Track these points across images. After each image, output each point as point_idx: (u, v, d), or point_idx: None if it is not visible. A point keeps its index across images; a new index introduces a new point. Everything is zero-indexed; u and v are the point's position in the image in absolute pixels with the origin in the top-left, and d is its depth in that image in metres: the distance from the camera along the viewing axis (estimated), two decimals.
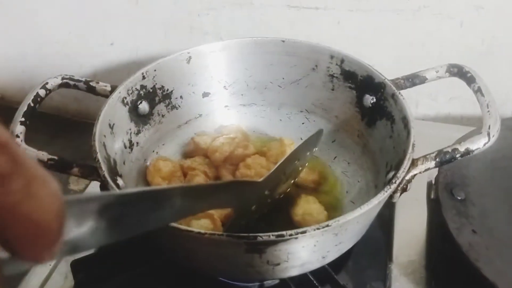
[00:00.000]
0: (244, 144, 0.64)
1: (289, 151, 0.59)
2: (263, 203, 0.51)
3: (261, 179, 0.46)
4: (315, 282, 0.53)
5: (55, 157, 0.50)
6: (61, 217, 0.22)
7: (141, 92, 0.60)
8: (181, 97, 0.65)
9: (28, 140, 0.52)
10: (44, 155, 0.50)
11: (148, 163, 0.62)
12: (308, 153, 0.56)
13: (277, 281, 0.56)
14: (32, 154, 0.50)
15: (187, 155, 0.66)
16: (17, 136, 0.50)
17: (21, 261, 0.22)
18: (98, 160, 0.49)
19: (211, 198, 0.40)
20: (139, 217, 0.31)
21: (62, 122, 0.97)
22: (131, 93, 0.59)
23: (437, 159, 0.50)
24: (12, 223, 0.20)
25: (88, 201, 0.27)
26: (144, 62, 0.62)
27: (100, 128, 0.53)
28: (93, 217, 0.26)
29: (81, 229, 0.26)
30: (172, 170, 0.60)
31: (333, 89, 0.64)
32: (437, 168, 0.61)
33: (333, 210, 0.59)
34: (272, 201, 0.52)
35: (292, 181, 0.57)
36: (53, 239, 0.22)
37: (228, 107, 0.69)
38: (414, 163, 0.49)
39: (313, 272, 0.53)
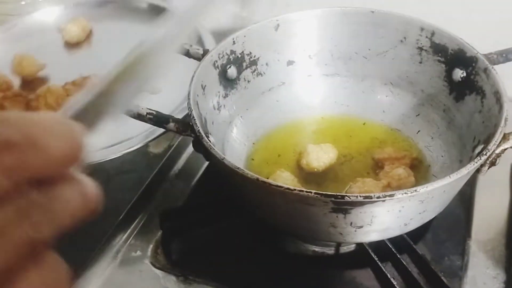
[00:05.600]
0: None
1: None
2: None
3: None
4: (393, 249, 0.54)
5: (154, 112, 0.53)
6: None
7: (231, 57, 0.63)
8: (266, 64, 0.67)
9: None
10: (143, 110, 0.53)
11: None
12: None
13: (352, 248, 0.58)
14: (133, 108, 0.53)
15: None
16: None
17: None
18: (193, 117, 0.52)
19: None
20: None
21: None
22: (222, 57, 0.62)
23: None
24: None
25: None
26: (226, 32, 0.64)
27: (194, 87, 0.55)
28: None
29: None
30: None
31: (421, 62, 0.63)
32: None
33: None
34: None
35: None
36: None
37: (311, 76, 0.70)
38: (505, 137, 0.49)
39: (391, 240, 0.54)
